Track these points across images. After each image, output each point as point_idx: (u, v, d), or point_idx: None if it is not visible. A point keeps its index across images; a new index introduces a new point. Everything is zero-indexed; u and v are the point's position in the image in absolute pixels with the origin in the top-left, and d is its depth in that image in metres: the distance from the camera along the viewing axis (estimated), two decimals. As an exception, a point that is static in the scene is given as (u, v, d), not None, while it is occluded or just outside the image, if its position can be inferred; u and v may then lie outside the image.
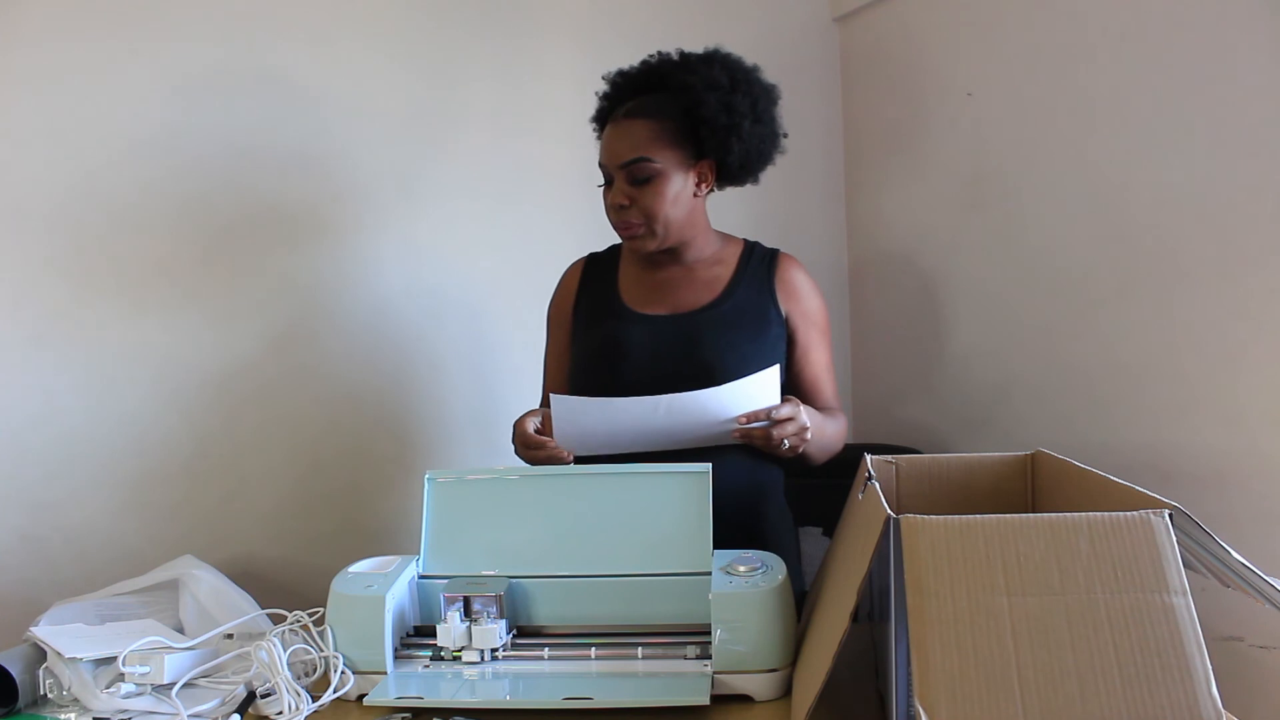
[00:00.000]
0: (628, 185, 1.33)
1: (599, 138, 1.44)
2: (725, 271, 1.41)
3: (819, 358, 1.43)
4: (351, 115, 1.75)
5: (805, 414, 1.25)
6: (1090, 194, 1.56)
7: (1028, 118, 1.69)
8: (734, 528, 1.17)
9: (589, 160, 1.44)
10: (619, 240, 1.45)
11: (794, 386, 1.42)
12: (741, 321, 1.37)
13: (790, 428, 1.23)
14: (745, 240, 1.47)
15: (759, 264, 1.43)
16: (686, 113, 1.34)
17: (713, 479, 1.12)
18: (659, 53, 1.41)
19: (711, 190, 1.41)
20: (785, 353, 1.40)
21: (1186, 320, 1.41)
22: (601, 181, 1.38)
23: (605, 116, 1.42)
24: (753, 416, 1.23)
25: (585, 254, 1.52)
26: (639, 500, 1.13)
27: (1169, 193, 1.43)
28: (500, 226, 1.88)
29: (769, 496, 1.42)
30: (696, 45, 1.41)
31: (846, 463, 1.20)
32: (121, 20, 1.55)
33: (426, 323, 1.83)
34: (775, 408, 1.23)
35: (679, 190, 1.34)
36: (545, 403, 1.49)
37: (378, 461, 1.80)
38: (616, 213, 1.35)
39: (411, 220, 1.81)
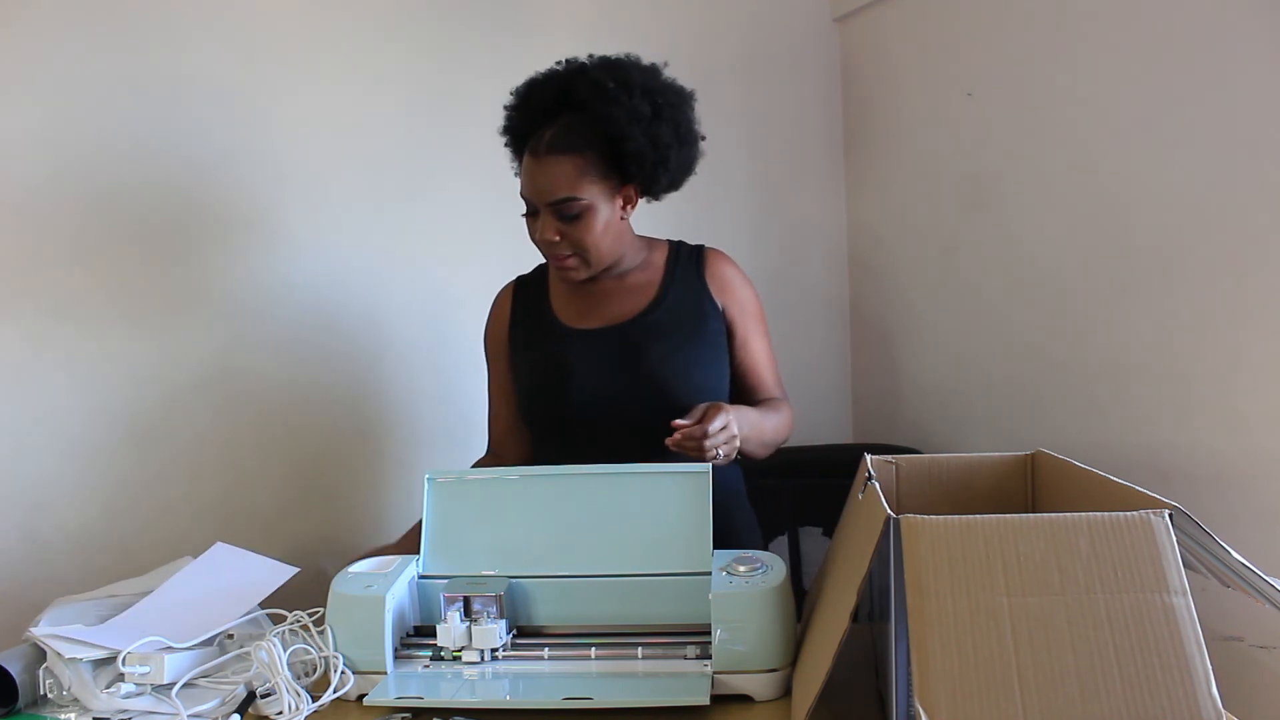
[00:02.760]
0: (556, 221, 1.30)
1: (512, 151, 1.41)
2: (655, 276, 1.41)
3: (758, 347, 1.43)
4: (351, 119, 1.75)
5: (735, 420, 1.22)
6: (1090, 194, 1.56)
7: (1028, 118, 1.69)
8: None
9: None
10: (540, 265, 1.47)
11: (735, 378, 1.43)
12: (680, 323, 1.37)
13: (721, 437, 1.19)
14: (670, 241, 1.46)
15: (687, 263, 1.43)
16: (610, 144, 1.30)
17: None
18: (567, 61, 1.35)
19: (636, 206, 1.39)
20: (727, 347, 1.41)
21: (1186, 320, 1.41)
22: (528, 212, 1.34)
23: (518, 132, 1.38)
24: (686, 432, 1.18)
25: (513, 278, 1.51)
26: (639, 500, 1.13)
27: (1169, 192, 1.42)
28: (499, 224, 1.87)
29: (732, 496, 1.42)
30: (697, 44, 1.41)
31: (846, 463, 1.20)
32: (120, 20, 1.55)
33: (426, 322, 1.83)
34: (707, 420, 1.18)
35: (608, 219, 1.32)
36: (495, 441, 1.51)
37: (377, 461, 1.80)
38: (547, 246, 1.33)
39: (410, 220, 1.81)
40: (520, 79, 1.41)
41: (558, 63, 1.36)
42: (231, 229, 1.65)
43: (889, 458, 1.18)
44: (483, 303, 1.53)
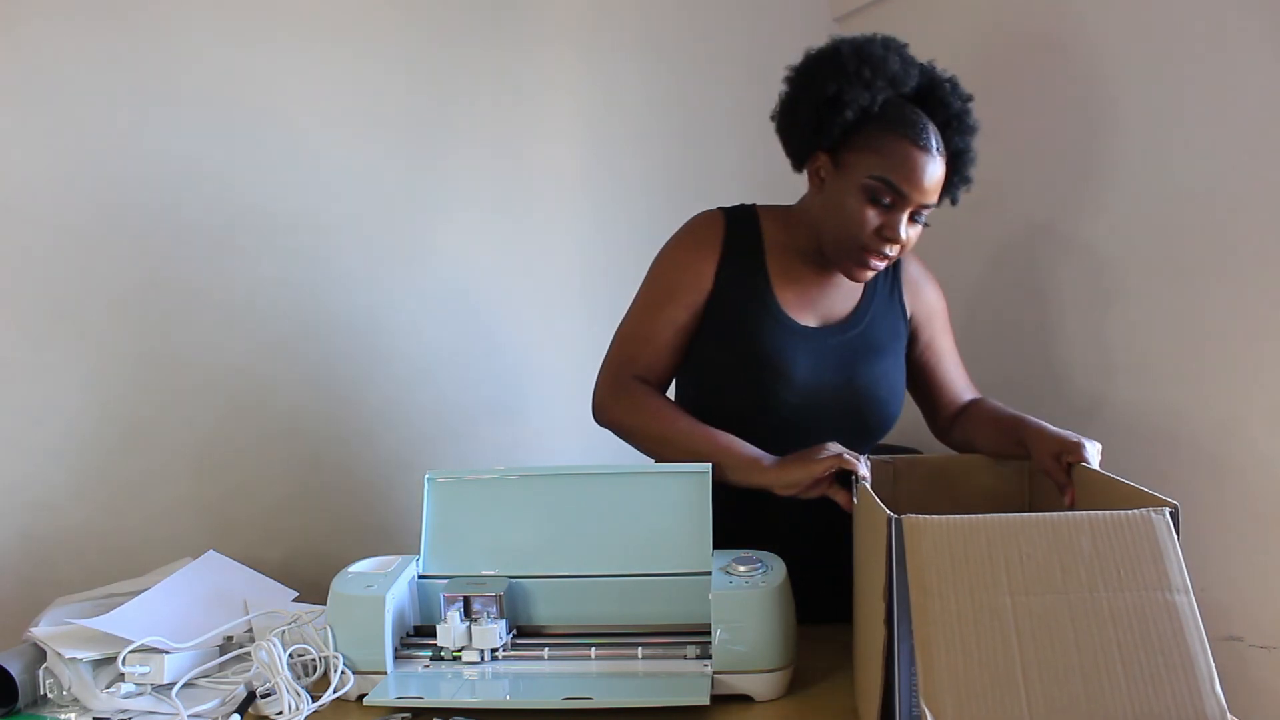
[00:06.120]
0: (909, 221, 1.20)
1: (821, 119, 1.21)
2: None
3: (946, 345, 1.36)
4: (352, 120, 1.74)
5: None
6: (1090, 194, 1.56)
7: (1028, 118, 1.69)
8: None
9: (588, 163, 1.43)
10: (745, 207, 1.32)
11: (925, 386, 1.36)
12: (886, 339, 1.30)
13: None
14: None
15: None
16: (952, 161, 1.24)
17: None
18: (916, 65, 1.25)
19: None
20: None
21: (1186, 320, 1.41)
22: (879, 198, 1.18)
23: (852, 104, 1.20)
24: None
25: (717, 209, 1.33)
26: (639, 500, 1.13)
27: (1169, 192, 1.43)
28: (500, 230, 1.88)
29: None
30: (697, 45, 1.39)
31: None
32: (121, 23, 1.55)
33: (426, 325, 1.82)
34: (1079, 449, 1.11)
35: None
36: (642, 367, 1.28)
37: (378, 461, 1.80)
38: (888, 244, 1.19)
39: (412, 223, 1.81)
40: (521, 79, 1.40)
41: (924, 64, 1.25)
42: (232, 229, 1.64)
43: (888, 458, 1.18)
44: (483, 302, 1.53)
